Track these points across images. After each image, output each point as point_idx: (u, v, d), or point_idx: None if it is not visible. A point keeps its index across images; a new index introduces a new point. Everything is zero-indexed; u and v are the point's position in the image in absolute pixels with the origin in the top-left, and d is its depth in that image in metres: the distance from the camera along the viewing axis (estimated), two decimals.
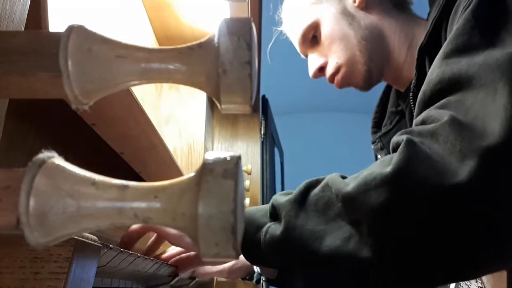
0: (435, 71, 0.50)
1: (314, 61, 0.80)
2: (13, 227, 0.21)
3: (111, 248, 0.40)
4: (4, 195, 0.22)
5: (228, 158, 0.23)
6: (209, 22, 1.18)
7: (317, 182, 0.54)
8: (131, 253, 0.47)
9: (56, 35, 0.25)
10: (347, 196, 0.46)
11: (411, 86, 0.65)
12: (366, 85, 0.77)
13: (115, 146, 0.81)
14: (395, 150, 0.46)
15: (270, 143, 2.08)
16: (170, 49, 0.25)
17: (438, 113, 0.46)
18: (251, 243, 0.54)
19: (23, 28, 0.33)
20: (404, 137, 0.45)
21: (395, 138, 0.48)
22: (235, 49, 0.24)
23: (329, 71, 0.78)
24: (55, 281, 0.31)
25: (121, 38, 0.25)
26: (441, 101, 0.47)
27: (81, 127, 0.71)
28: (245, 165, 1.64)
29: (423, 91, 0.52)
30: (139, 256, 0.50)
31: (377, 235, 0.43)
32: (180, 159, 1.32)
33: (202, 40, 0.25)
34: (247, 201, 1.58)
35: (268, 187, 1.91)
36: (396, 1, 0.76)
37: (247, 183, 1.60)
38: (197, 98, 1.39)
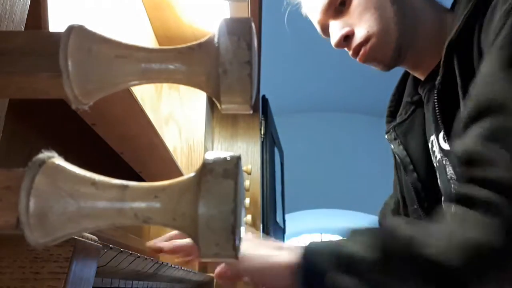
0: (482, 87, 0.50)
1: (338, 28, 0.72)
2: (13, 227, 0.21)
3: (111, 248, 0.40)
4: (4, 195, 0.22)
5: (228, 158, 0.23)
6: (209, 22, 1.18)
7: (393, 239, 0.51)
8: (131, 253, 0.47)
9: (56, 35, 0.25)
10: (451, 270, 0.45)
11: (437, 83, 0.63)
12: (391, 64, 0.72)
13: (115, 146, 0.81)
14: (462, 202, 0.47)
15: (270, 143, 2.08)
16: (170, 49, 0.25)
17: (492, 152, 0.46)
18: (310, 280, 0.52)
19: (23, 28, 0.33)
20: (483, 195, 0.45)
21: (463, 190, 0.48)
22: (235, 49, 0.24)
23: (357, 39, 0.71)
24: (55, 281, 0.31)
25: (121, 38, 0.25)
26: (489, 129, 0.47)
27: (81, 127, 0.71)
28: (245, 165, 1.64)
29: (473, 106, 0.51)
30: (139, 256, 0.50)
31: None
32: (180, 159, 1.32)
33: (202, 40, 0.25)
34: (247, 201, 1.58)
35: (268, 187, 1.91)
36: None
37: (247, 183, 1.60)
38: (197, 98, 1.39)
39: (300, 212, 4.41)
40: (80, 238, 0.33)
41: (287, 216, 2.96)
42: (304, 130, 4.74)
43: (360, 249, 0.50)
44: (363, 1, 0.70)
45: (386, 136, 0.82)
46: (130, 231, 0.96)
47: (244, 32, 0.24)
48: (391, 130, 0.80)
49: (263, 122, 1.93)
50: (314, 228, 5.16)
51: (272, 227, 1.99)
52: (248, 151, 1.72)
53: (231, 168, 0.22)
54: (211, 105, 1.58)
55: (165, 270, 0.67)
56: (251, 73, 0.24)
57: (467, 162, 0.50)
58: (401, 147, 0.77)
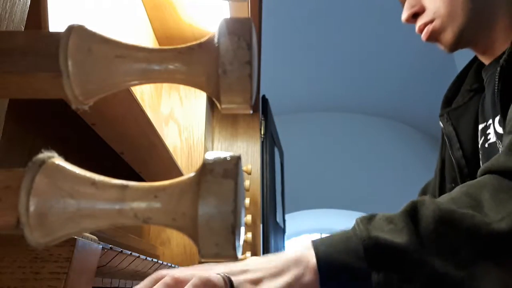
0: None
1: (410, 5, 0.76)
2: (13, 227, 0.21)
3: (111, 248, 0.40)
4: (4, 195, 0.22)
5: (228, 158, 0.23)
6: (209, 22, 1.18)
7: (414, 214, 0.46)
8: (131, 253, 0.47)
9: (56, 35, 0.25)
10: (500, 234, 0.42)
11: (501, 60, 0.64)
12: (453, 47, 0.75)
13: (115, 146, 0.81)
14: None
15: (270, 143, 2.08)
16: (170, 49, 0.25)
17: None
18: None
19: (23, 28, 0.33)
20: None
21: (504, 162, 0.48)
22: (235, 49, 0.24)
23: (423, 19, 0.74)
24: (55, 281, 0.31)
25: (121, 38, 0.25)
26: None
27: (81, 127, 0.71)
28: (245, 165, 1.64)
29: None
30: (139, 256, 0.50)
31: None
32: (180, 159, 1.32)
33: (202, 40, 0.25)
34: (247, 201, 1.58)
35: (268, 187, 1.91)
36: None
37: (247, 183, 1.60)
38: (197, 98, 1.39)
39: (300, 212, 4.41)
40: (80, 238, 0.33)
41: (287, 216, 2.96)
42: (304, 130, 4.74)
43: (394, 236, 0.44)
44: None
45: (439, 119, 0.84)
46: (130, 231, 0.96)
47: (244, 32, 0.24)
48: (445, 114, 0.82)
49: (263, 122, 1.93)
50: (314, 228, 5.16)
51: (272, 227, 1.99)
52: (248, 151, 1.72)
53: (231, 168, 0.22)
54: (211, 105, 1.58)
55: None
56: (251, 73, 0.24)
57: None
58: (451, 127, 0.80)
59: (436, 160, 0.90)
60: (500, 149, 0.67)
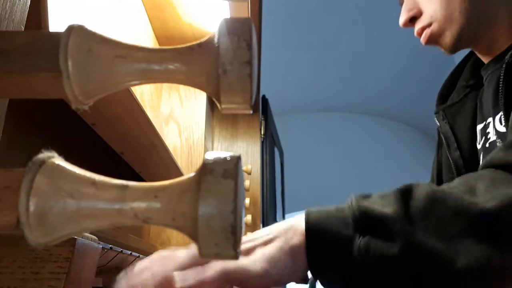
0: None
1: (407, 8, 0.76)
2: (13, 227, 0.21)
3: (111, 248, 0.40)
4: (4, 195, 0.22)
5: (228, 158, 0.23)
6: (209, 22, 1.18)
7: (408, 192, 0.47)
8: (131, 253, 0.47)
9: (56, 35, 0.25)
10: (485, 213, 0.43)
11: (506, 57, 0.64)
12: (453, 49, 0.74)
13: (115, 146, 0.81)
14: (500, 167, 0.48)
15: (270, 143, 2.08)
16: (170, 49, 0.25)
17: None
18: (329, 257, 0.46)
19: (23, 28, 0.33)
20: None
21: (504, 156, 0.49)
22: (235, 49, 0.24)
23: (421, 23, 0.75)
24: (55, 281, 0.31)
25: (121, 38, 0.25)
26: None
27: (81, 127, 0.71)
28: (245, 165, 1.64)
29: None
30: (139, 256, 0.50)
31: None
32: (180, 159, 1.32)
33: (202, 40, 0.25)
34: (247, 201, 1.58)
35: (268, 187, 1.91)
36: None
37: (247, 183, 1.60)
38: (197, 98, 1.39)
39: (300, 212, 4.41)
40: (80, 238, 0.33)
41: (287, 216, 2.95)
42: (304, 130, 4.74)
43: (382, 207, 0.46)
44: None
45: (435, 116, 0.84)
46: (130, 231, 0.96)
47: (244, 32, 0.24)
48: (441, 111, 0.82)
49: (263, 122, 1.93)
50: None
51: None
52: (248, 151, 1.72)
53: (231, 168, 0.22)
54: (211, 105, 1.58)
55: None
56: (251, 73, 0.24)
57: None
58: (447, 126, 0.79)
59: (433, 161, 0.89)
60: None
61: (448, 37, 0.73)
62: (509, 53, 0.64)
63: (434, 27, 0.73)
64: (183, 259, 0.45)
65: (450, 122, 0.79)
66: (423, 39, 0.75)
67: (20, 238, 0.22)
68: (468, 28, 0.71)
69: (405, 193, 0.47)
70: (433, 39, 0.74)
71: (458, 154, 0.77)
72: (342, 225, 0.46)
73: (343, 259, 0.45)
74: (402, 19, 0.76)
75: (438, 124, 0.82)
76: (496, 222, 0.43)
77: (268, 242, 0.47)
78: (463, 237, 0.43)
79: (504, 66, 0.64)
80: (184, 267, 0.44)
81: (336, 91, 4.46)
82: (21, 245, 0.31)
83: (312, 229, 0.47)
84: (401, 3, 0.79)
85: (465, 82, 0.80)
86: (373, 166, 4.57)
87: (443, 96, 0.84)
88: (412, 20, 0.75)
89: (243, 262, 0.45)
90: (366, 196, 0.49)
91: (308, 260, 0.46)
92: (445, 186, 0.48)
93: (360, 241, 0.44)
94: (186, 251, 0.46)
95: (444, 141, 0.80)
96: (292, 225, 0.48)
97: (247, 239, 0.48)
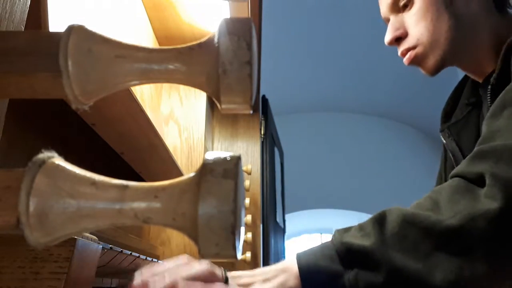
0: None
1: (394, 28, 0.78)
2: (13, 227, 0.21)
3: (111, 248, 0.40)
4: (4, 195, 0.22)
5: (228, 158, 0.23)
6: (209, 22, 1.18)
7: (382, 219, 0.53)
8: (131, 253, 0.47)
9: (56, 35, 0.25)
10: (450, 229, 0.48)
11: (491, 79, 0.66)
12: (434, 72, 0.77)
13: (115, 146, 0.81)
14: (472, 180, 0.51)
15: (270, 143, 2.08)
16: (170, 49, 0.25)
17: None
18: None
19: (23, 28, 0.33)
20: (488, 173, 0.49)
21: (473, 169, 0.52)
22: (235, 49, 0.24)
23: (406, 44, 0.76)
24: (55, 281, 0.31)
25: (121, 38, 0.25)
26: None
27: (81, 127, 0.71)
28: (245, 165, 1.64)
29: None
30: (139, 256, 0.50)
31: (494, 256, 0.48)
32: (180, 159, 1.32)
33: (202, 40, 0.25)
34: (247, 201, 1.58)
35: (268, 187, 1.91)
36: (498, 1, 0.75)
37: (247, 183, 1.60)
38: (197, 98, 1.39)
39: (300, 212, 4.41)
40: (80, 238, 0.33)
41: (287, 216, 2.96)
42: (304, 130, 4.74)
43: (361, 239, 0.51)
44: (424, 8, 0.74)
45: (440, 134, 0.86)
46: (130, 231, 0.96)
47: (244, 32, 0.24)
48: (446, 129, 0.83)
49: (263, 122, 1.93)
50: (314, 228, 5.17)
51: (272, 227, 1.99)
52: (248, 151, 1.72)
53: (231, 168, 0.22)
54: (211, 105, 1.58)
55: None
56: (251, 73, 0.24)
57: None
58: (454, 143, 0.81)
59: (437, 173, 0.90)
60: None
61: (431, 61, 0.75)
62: (493, 76, 0.66)
63: (419, 50, 0.75)
64: (196, 271, 0.49)
65: (456, 139, 0.80)
66: (406, 60, 0.77)
67: (20, 238, 0.22)
68: (451, 54, 0.73)
69: (379, 222, 0.52)
70: (416, 61, 0.76)
71: None
72: (330, 263, 0.51)
73: None
74: (388, 38, 0.78)
75: (445, 141, 0.84)
76: (460, 236, 0.48)
77: (265, 281, 0.52)
78: (435, 254, 0.48)
79: (489, 87, 0.66)
80: (195, 278, 0.48)
81: (336, 91, 4.46)
82: (21, 245, 0.31)
83: (305, 271, 0.52)
84: (387, 21, 0.80)
85: (466, 100, 0.82)
86: (373, 166, 4.57)
87: (447, 114, 0.86)
88: (398, 40, 0.77)
89: None
90: (347, 229, 0.55)
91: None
92: (414, 206, 0.53)
93: (349, 275, 0.50)
94: (202, 264, 0.50)
95: (452, 158, 0.81)
96: (286, 267, 0.53)
97: (247, 274, 0.53)
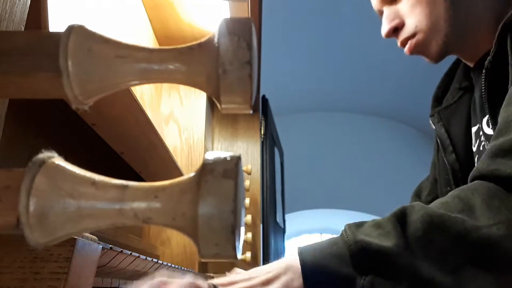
0: None
1: (389, 19, 0.74)
2: (13, 227, 0.21)
3: (111, 248, 0.40)
4: (4, 195, 0.22)
5: (228, 158, 0.23)
6: (209, 22, 1.18)
7: (403, 218, 0.45)
8: (131, 253, 0.47)
9: (56, 35, 0.25)
10: (489, 239, 0.41)
11: (486, 62, 0.63)
12: (439, 58, 0.74)
13: (115, 146, 0.81)
14: (491, 179, 0.46)
15: (270, 143, 2.08)
16: (170, 49, 0.25)
17: None
18: None
19: (23, 28, 0.33)
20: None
21: (490, 165, 0.48)
22: (235, 49, 0.24)
23: (404, 33, 0.73)
24: (55, 281, 0.31)
25: (121, 38, 0.25)
26: None
27: (81, 127, 0.71)
28: (245, 165, 1.64)
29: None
30: (139, 256, 0.50)
31: None
32: (180, 159, 1.32)
33: (202, 40, 0.25)
34: (247, 201, 1.58)
35: (268, 187, 1.91)
36: None
37: (247, 183, 1.60)
38: (197, 98, 1.39)
39: (300, 212, 4.41)
40: (80, 238, 0.33)
41: (287, 216, 2.96)
42: (304, 130, 4.74)
43: (381, 240, 0.43)
44: None
45: (430, 119, 0.83)
46: (130, 231, 0.96)
47: (244, 32, 0.24)
48: (436, 114, 0.81)
49: (263, 122, 1.93)
50: (314, 228, 5.16)
51: (272, 227, 1.99)
52: (248, 151, 1.72)
53: (231, 168, 0.22)
54: (211, 105, 1.58)
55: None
56: (251, 73, 0.24)
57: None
58: (443, 129, 0.79)
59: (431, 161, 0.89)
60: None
61: (434, 46, 0.72)
62: (488, 58, 0.64)
63: (419, 37, 0.72)
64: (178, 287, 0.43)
65: (445, 124, 0.78)
66: (407, 49, 0.74)
67: (20, 238, 0.22)
68: (452, 36, 0.70)
69: (401, 220, 0.45)
70: (418, 49, 0.73)
71: (454, 157, 0.76)
72: (340, 264, 0.44)
73: None
74: (385, 29, 0.75)
75: (434, 127, 0.82)
76: (500, 248, 0.41)
77: (267, 283, 0.45)
78: (468, 267, 0.41)
79: (484, 71, 0.64)
80: None
81: (337, 91, 4.46)
82: (21, 245, 0.31)
83: (309, 271, 0.45)
84: (380, 14, 0.77)
85: (458, 84, 0.80)
86: (373, 166, 4.57)
87: (438, 98, 0.84)
88: (395, 30, 0.74)
89: None
90: (360, 225, 0.47)
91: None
92: (440, 206, 0.46)
93: (363, 281, 0.42)
94: (184, 279, 0.44)
95: (440, 144, 0.79)
96: (290, 265, 0.46)
97: (245, 277, 0.47)
